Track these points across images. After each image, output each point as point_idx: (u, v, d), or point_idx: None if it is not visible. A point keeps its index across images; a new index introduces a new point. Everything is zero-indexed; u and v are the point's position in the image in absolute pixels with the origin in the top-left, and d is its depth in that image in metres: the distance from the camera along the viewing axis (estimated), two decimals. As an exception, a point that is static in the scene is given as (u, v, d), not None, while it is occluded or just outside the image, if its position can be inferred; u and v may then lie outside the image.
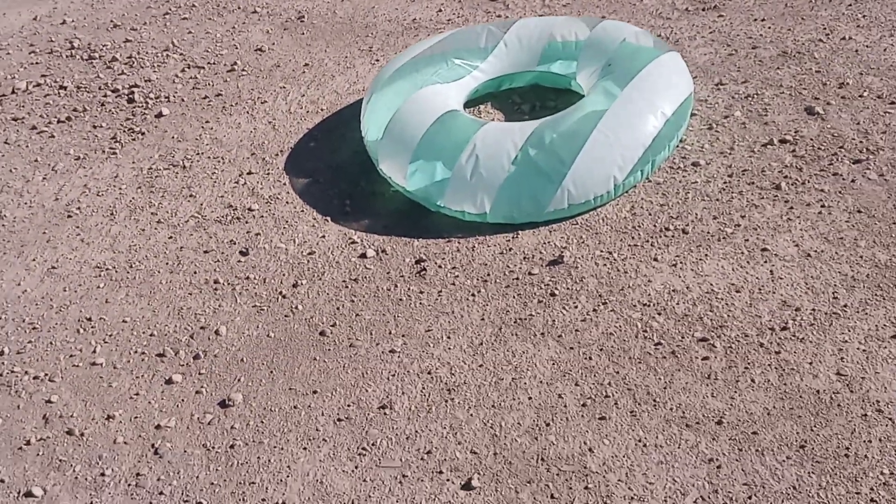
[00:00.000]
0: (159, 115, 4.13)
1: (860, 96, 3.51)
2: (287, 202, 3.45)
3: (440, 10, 4.80)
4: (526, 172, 3.10)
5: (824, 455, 2.24)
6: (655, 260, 2.90)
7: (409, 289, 2.95)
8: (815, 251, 2.84)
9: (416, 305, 2.88)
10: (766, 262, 2.83)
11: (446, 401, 2.54)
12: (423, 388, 2.59)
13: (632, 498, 2.21)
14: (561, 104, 3.61)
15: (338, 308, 2.92)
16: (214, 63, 4.52)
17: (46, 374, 2.80)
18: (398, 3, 4.97)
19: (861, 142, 3.26)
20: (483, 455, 2.37)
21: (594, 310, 2.76)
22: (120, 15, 5.23)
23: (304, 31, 4.75)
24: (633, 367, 2.55)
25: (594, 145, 3.08)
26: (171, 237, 3.34)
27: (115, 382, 2.75)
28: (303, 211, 3.39)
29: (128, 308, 3.03)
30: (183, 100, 4.24)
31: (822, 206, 3.01)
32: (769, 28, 4.10)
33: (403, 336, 2.78)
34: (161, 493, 2.39)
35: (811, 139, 3.32)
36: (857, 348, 2.49)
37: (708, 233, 2.97)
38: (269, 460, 2.44)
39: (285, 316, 2.92)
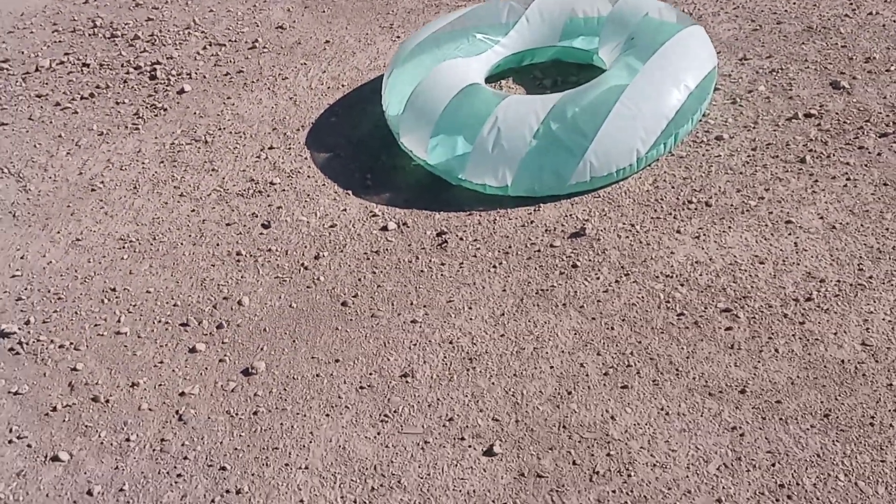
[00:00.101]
0: (181, 91, 4.14)
1: (887, 70, 3.47)
2: (308, 176, 3.45)
3: (461, -12, 4.78)
4: (548, 145, 3.09)
5: (849, 424, 2.23)
6: (678, 232, 2.89)
7: (430, 261, 2.95)
8: (841, 223, 2.81)
9: (437, 277, 2.88)
10: (790, 234, 2.81)
11: (468, 369, 2.55)
12: (445, 357, 2.60)
13: (654, 464, 2.20)
14: (583, 79, 3.58)
15: (359, 279, 2.92)
16: (236, 41, 4.53)
17: (72, 343, 2.83)
18: (419, -19, 4.95)
19: (888, 115, 3.22)
20: (505, 422, 2.37)
21: (616, 281, 2.75)
22: (142, -6, 5.25)
23: (324, 8, 4.74)
24: (656, 337, 2.55)
25: (617, 118, 3.06)
26: (193, 210, 3.36)
27: (139, 351, 2.77)
28: (324, 185, 3.39)
29: (151, 279, 3.05)
30: (205, 76, 4.25)
31: (848, 179, 2.98)
32: (794, 3, 4.06)
33: (425, 307, 2.78)
34: (185, 458, 2.41)
35: (836, 113, 3.29)
36: (883, 319, 2.48)
37: (731, 205, 2.96)
38: (292, 426, 2.45)
39: (307, 287, 2.93)
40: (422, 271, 2.91)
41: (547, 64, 3.86)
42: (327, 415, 2.47)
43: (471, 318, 2.71)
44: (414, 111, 3.37)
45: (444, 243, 3.00)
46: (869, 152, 3.08)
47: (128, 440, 2.49)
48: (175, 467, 2.39)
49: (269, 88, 4.07)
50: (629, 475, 2.19)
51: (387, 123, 3.54)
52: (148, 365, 2.72)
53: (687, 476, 2.17)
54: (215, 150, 3.69)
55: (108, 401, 2.62)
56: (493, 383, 2.49)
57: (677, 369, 2.44)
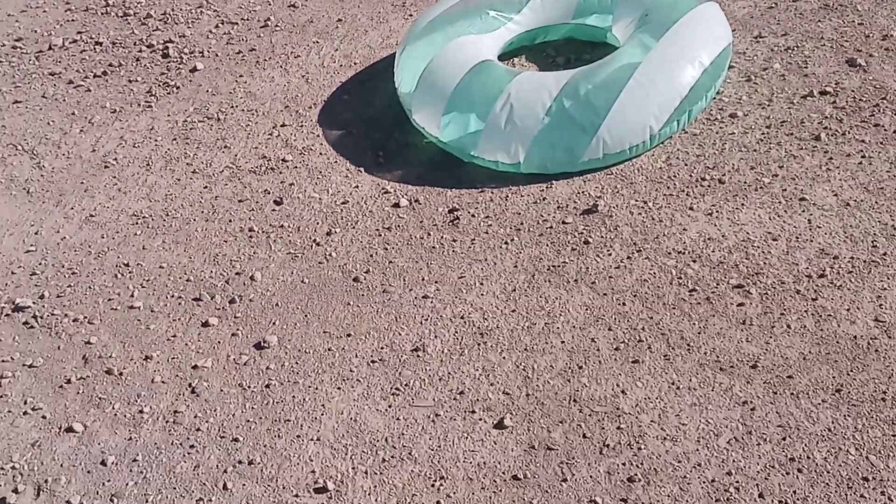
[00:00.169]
0: (194, 69, 4.14)
1: (903, 48, 3.44)
2: (321, 153, 3.46)
3: (474, -33, 4.76)
4: (560, 122, 3.08)
5: (860, 399, 2.22)
6: (691, 209, 2.88)
7: (442, 237, 2.95)
8: (855, 200, 2.80)
9: (449, 253, 2.88)
10: (804, 211, 2.79)
11: (479, 344, 2.55)
12: (456, 331, 2.60)
13: (664, 438, 2.21)
14: (596, 57, 3.55)
15: (371, 255, 2.93)
16: (248, 19, 4.52)
17: (85, 317, 2.85)
18: (432, -41, 4.93)
19: (903, 93, 3.20)
20: (515, 396, 2.38)
21: (628, 257, 2.74)
22: (155, -27, 5.24)
23: (337, -13, 4.73)
24: (667, 313, 2.54)
25: (630, 94, 3.05)
26: (206, 187, 3.37)
27: (152, 325, 2.79)
28: (336, 162, 3.40)
29: (164, 254, 3.06)
30: (217, 55, 4.25)
31: (863, 156, 2.96)
32: (810, -19, 4.02)
33: (436, 282, 2.78)
34: (198, 430, 2.43)
35: (852, 91, 3.26)
36: (896, 295, 2.47)
37: (745, 183, 2.94)
38: (304, 399, 2.47)
39: (319, 263, 2.93)
40: (433, 247, 2.92)
41: (560, 42, 3.84)
42: (339, 388, 2.48)
43: (482, 294, 2.71)
44: (426, 88, 3.36)
45: (456, 220, 3.00)
46: (885, 130, 3.05)
47: (141, 412, 2.51)
48: (188, 438, 2.41)
49: (281, 66, 4.07)
50: (639, 448, 2.19)
51: (399, 101, 3.53)
52: (161, 339, 2.74)
53: (697, 449, 2.17)
54: (228, 127, 3.70)
55: (121, 374, 2.63)
56: (504, 358, 2.49)
57: (688, 344, 2.44)
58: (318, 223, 3.10)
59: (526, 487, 2.15)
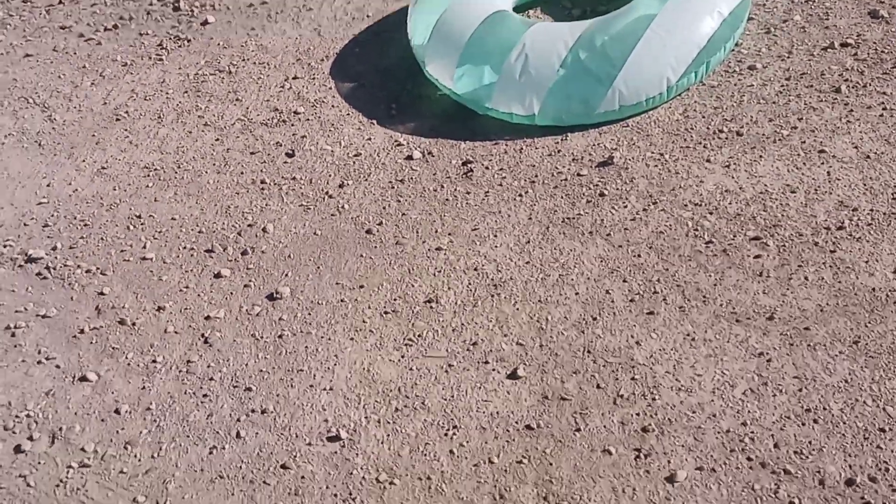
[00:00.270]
0: (205, 23, 4.10)
1: (927, -1, 3.36)
2: (333, 106, 3.42)
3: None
4: (576, 74, 3.03)
5: (878, 350, 2.20)
6: (708, 161, 2.84)
7: (455, 189, 2.93)
8: (875, 153, 2.75)
9: (462, 205, 2.86)
10: (822, 163, 2.75)
11: (492, 296, 2.53)
12: (470, 283, 2.59)
13: (679, 389, 2.19)
14: (612, 9, 3.49)
15: (384, 208, 2.91)
16: (260, -28, 4.46)
17: (98, 268, 2.84)
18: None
19: (926, 44, 3.14)
20: (529, 347, 2.36)
21: (644, 209, 2.71)
22: (165, -74, 5.18)
23: (349, -61, 4.66)
24: (683, 265, 2.52)
25: (647, 45, 2.99)
26: (217, 139, 3.34)
27: (164, 276, 2.78)
28: (348, 114, 3.36)
29: (176, 206, 3.05)
30: (228, 8, 4.20)
31: (884, 108, 2.91)
32: (832, -68, 3.93)
33: (450, 234, 2.76)
34: (211, 379, 2.43)
35: (874, 43, 3.20)
36: (916, 247, 2.43)
37: (763, 135, 2.90)
38: (317, 349, 2.46)
39: (332, 215, 2.91)
40: (447, 200, 2.89)
41: (576, -7, 3.78)
42: (352, 338, 2.48)
43: (496, 246, 2.69)
44: (440, 40, 3.31)
45: (470, 172, 2.97)
46: (906, 82, 3.00)
47: (154, 362, 2.51)
48: (201, 388, 2.41)
49: (293, 19, 4.02)
50: (653, 399, 2.18)
51: (412, 53, 3.49)
52: (174, 290, 2.73)
53: (712, 400, 2.15)
54: (239, 80, 3.67)
55: (134, 324, 2.63)
56: (517, 309, 2.48)
57: (704, 296, 2.41)
58: (330, 175, 3.08)
59: (539, 437, 2.15)
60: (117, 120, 3.53)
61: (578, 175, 2.88)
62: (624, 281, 2.50)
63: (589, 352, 2.32)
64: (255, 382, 2.39)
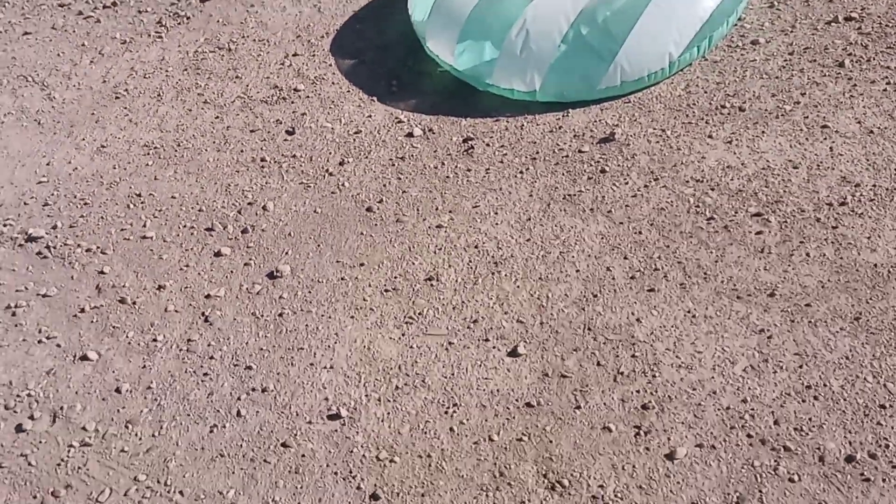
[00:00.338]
0: (204, 0, 4.08)
1: (933, -29, 3.32)
2: (333, 83, 3.40)
3: None
4: (577, 50, 3.01)
5: (879, 327, 2.19)
6: (710, 137, 2.82)
7: (456, 167, 2.91)
8: (879, 128, 2.73)
9: (463, 183, 2.85)
10: (825, 138, 2.73)
11: (493, 273, 2.53)
12: (470, 261, 2.58)
13: (679, 366, 2.19)
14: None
15: (384, 185, 2.89)
16: (259, -53, 4.42)
17: (98, 247, 2.84)
18: None
19: (932, 18, 3.10)
20: (529, 324, 2.36)
21: (645, 186, 2.70)
22: None
23: (349, -86, 4.61)
24: (684, 242, 2.50)
25: (649, 19, 2.97)
26: (217, 117, 3.33)
27: (165, 255, 2.78)
28: (349, 91, 3.34)
29: (176, 185, 3.04)
30: (228, -16, 4.17)
31: (888, 83, 2.88)
32: None
33: (450, 212, 2.75)
34: (211, 358, 2.43)
35: (879, 16, 3.16)
36: (919, 223, 2.42)
37: (766, 110, 2.87)
38: (318, 328, 2.46)
39: (332, 193, 2.90)
40: (448, 177, 2.88)
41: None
42: (352, 316, 2.47)
43: (497, 223, 2.68)
44: (440, 15, 3.28)
45: (471, 149, 2.96)
46: (911, 56, 2.97)
47: (155, 340, 2.51)
48: (201, 366, 2.41)
49: (292, -5, 4.00)
50: (654, 376, 2.18)
51: (413, 29, 3.46)
52: (174, 268, 2.73)
53: (713, 377, 2.15)
54: (239, 57, 3.64)
55: (135, 303, 2.63)
56: (518, 286, 2.47)
57: (705, 273, 2.40)
58: (330, 153, 3.06)
59: (539, 414, 2.15)
60: (117, 98, 3.52)
61: (580, 151, 2.86)
62: (625, 258, 2.49)
63: (589, 329, 2.32)
64: (256, 361, 2.40)
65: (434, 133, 3.06)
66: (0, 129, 3.41)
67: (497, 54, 3.10)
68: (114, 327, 2.57)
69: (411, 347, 2.36)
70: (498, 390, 2.22)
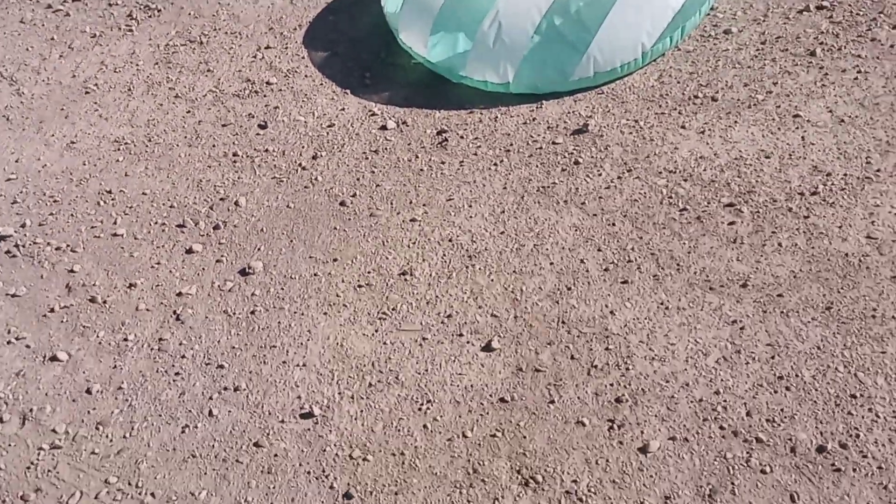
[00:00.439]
0: (175, -9, 4.03)
1: (904, -41, 3.33)
2: (306, 76, 3.37)
3: None
4: (550, 40, 2.99)
5: (850, 316, 2.20)
6: (683, 127, 2.81)
7: (430, 159, 2.90)
8: (850, 116, 2.73)
9: (437, 176, 2.83)
10: (797, 128, 2.73)
11: (467, 267, 2.52)
12: (444, 255, 2.57)
13: (653, 358, 2.19)
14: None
15: (358, 179, 2.87)
16: (230, -62, 4.37)
17: (68, 245, 2.80)
18: None
19: (903, 5, 3.11)
20: (503, 318, 2.35)
21: (619, 177, 2.69)
22: None
23: None
24: (658, 233, 2.50)
25: (622, 10, 2.96)
26: (188, 111, 3.29)
27: (136, 252, 2.75)
28: (322, 84, 3.32)
29: (147, 181, 3.01)
30: (199, -24, 4.12)
31: (859, 71, 2.89)
32: None
33: (424, 205, 2.74)
34: (183, 357, 2.41)
35: (849, 5, 3.17)
36: (889, 212, 2.42)
37: (738, 100, 2.87)
38: (290, 325, 2.44)
39: (305, 187, 2.88)
40: (421, 170, 2.86)
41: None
42: (325, 313, 2.46)
43: (471, 217, 2.67)
44: (413, 7, 3.26)
45: (445, 142, 2.94)
46: (881, 44, 2.97)
47: (126, 340, 2.48)
48: (173, 366, 2.39)
49: (264, -13, 3.96)
50: (627, 368, 2.18)
51: (386, 21, 3.43)
52: (145, 266, 2.70)
53: (685, 369, 2.15)
54: (210, 50, 3.61)
55: (105, 302, 2.60)
56: (492, 280, 2.46)
57: (678, 264, 2.40)
58: (303, 147, 3.04)
59: (513, 410, 2.14)
60: (86, 93, 3.48)
61: (553, 143, 2.85)
62: (598, 250, 2.49)
63: (563, 322, 2.31)
64: (228, 359, 2.38)
65: (408, 126, 3.04)
66: (-33, 125, 3.37)
67: (470, 46, 3.08)
68: (84, 327, 2.54)
69: (385, 344, 2.35)
70: (472, 386, 2.21)
